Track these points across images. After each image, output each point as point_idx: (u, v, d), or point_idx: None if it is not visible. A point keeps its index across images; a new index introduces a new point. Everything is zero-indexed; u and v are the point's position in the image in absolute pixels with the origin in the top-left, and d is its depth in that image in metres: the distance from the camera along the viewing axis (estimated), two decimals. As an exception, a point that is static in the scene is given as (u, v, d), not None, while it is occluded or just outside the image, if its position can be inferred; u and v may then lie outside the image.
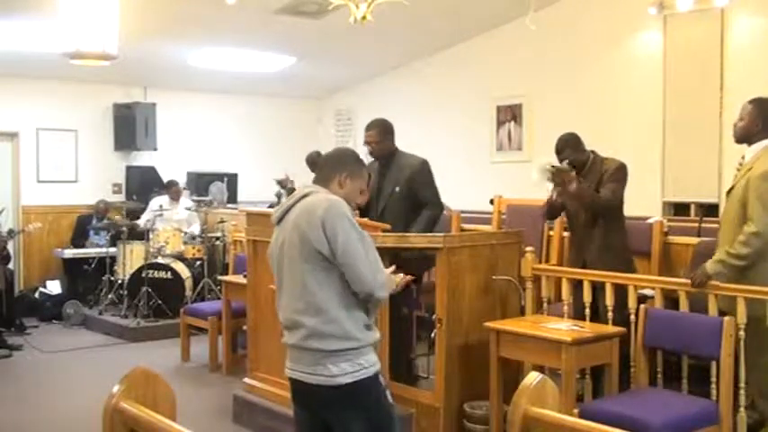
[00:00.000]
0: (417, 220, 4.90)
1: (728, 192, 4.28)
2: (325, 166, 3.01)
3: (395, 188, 4.96)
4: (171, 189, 9.00)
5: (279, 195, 6.17)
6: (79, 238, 9.35)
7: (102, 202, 9.46)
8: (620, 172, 4.67)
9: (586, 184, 4.63)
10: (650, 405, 3.73)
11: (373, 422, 2.83)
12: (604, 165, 4.73)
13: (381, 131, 5.03)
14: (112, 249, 8.71)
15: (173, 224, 8.61)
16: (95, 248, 9.07)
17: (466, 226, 6.55)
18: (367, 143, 5.05)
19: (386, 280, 2.85)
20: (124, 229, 8.51)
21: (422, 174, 4.98)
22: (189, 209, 8.85)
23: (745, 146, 4.24)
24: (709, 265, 4.11)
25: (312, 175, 3.10)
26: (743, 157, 4.26)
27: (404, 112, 8.99)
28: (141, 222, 8.71)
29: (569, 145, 4.75)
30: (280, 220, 2.94)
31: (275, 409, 4.78)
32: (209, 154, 10.48)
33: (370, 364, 2.82)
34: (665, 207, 7.34)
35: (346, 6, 5.42)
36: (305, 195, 2.90)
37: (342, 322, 2.76)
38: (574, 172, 4.53)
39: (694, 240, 5.19)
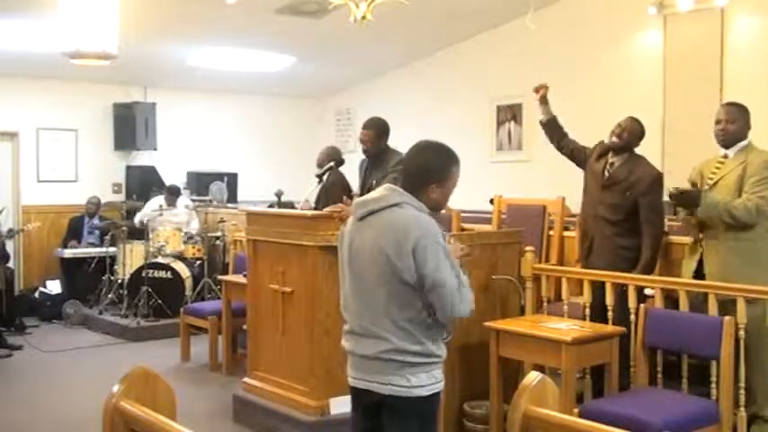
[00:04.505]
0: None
1: (714, 183, 4.40)
2: (414, 173, 2.85)
3: (374, 181, 5.11)
4: (166, 193, 8.91)
5: (279, 195, 6.09)
6: (71, 239, 9.24)
7: (95, 197, 9.36)
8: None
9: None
10: (650, 405, 3.73)
11: None
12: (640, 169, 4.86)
13: (377, 133, 5.23)
14: (112, 249, 8.70)
15: (172, 224, 8.60)
16: (95, 248, 9.05)
17: (466, 226, 6.55)
18: (362, 141, 5.25)
19: (469, 296, 2.76)
20: (124, 228, 8.51)
21: (397, 165, 5.05)
22: (187, 206, 8.83)
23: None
24: (711, 197, 4.26)
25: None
26: (725, 156, 4.45)
27: (404, 111, 8.98)
28: (137, 219, 8.71)
29: (635, 134, 4.84)
30: (362, 218, 2.83)
31: (275, 408, 4.79)
32: (209, 154, 10.47)
33: (440, 379, 2.82)
34: (665, 207, 7.32)
35: (346, 6, 5.42)
36: (395, 205, 2.77)
37: (425, 341, 2.74)
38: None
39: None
